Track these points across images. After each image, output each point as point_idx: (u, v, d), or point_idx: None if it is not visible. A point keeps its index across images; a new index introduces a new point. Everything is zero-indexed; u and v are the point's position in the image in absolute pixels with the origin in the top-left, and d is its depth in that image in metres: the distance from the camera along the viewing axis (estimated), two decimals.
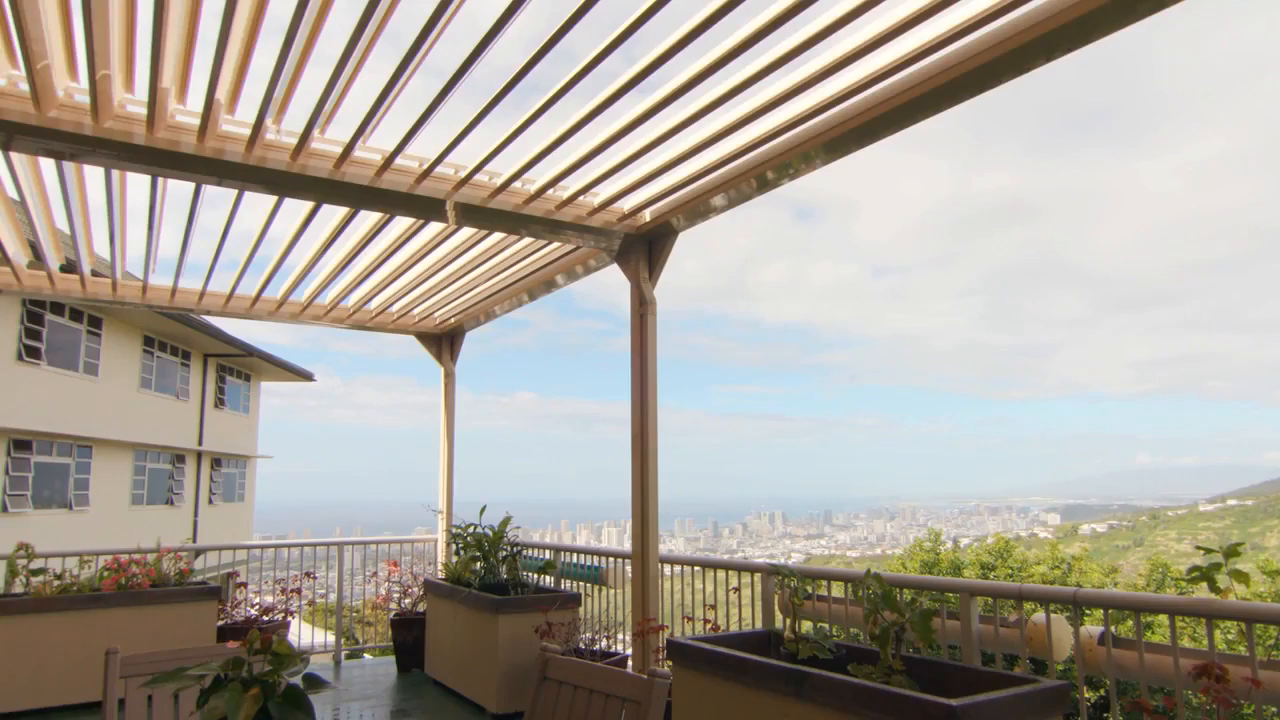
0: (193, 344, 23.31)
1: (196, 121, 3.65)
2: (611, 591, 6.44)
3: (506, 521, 6.26)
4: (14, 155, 4.10)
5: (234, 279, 6.19)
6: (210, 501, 25.40)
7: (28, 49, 3.00)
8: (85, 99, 3.46)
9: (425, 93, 3.43)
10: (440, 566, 7.70)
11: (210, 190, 4.41)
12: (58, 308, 17.31)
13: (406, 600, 7.21)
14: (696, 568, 5.67)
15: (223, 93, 3.38)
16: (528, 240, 5.38)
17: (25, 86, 3.37)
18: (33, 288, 6.12)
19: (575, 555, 6.92)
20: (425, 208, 4.35)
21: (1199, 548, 3.47)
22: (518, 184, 4.41)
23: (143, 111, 3.56)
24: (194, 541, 19.50)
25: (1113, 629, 3.45)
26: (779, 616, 4.86)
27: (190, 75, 3.30)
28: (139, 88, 3.42)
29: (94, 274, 6.02)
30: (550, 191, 4.47)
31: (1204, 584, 3.41)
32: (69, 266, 6.00)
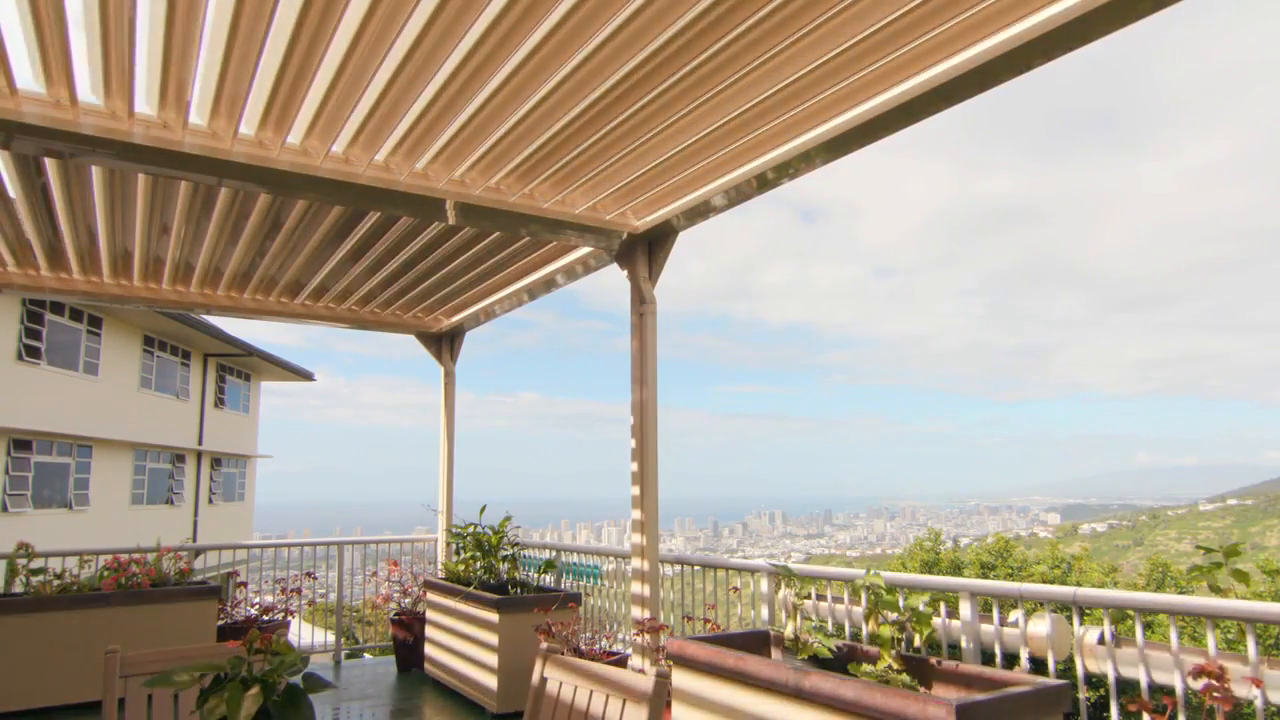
0: (193, 344, 23.32)
1: (199, 121, 3.65)
2: (611, 591, 6.45)
3: (506, 521, 6.27)
4: (14, 155, 4.10)
5: (236, 279, 6.18)
6: (210, 501, 25.40)
7: (30, 48, 3.01)
8: (88, 99, 3.46)
9: (427, 94, 3.42)
10: (440, 566, 7.70)
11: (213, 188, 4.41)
12: (58, 307, 17.30)
13: (406, 600, 7.21)
14: (696, 567, 5.67)
15: (226, 93, 3.38)
16: (527, 240, 5.38)
17: (26, 87, 3.37)
18: (38, 287, 6.12)
19: (575, 555, 6.92)
20: (425, 208, 4.35)
21: (1199, 547, 3.48)
22: (518, 184, 4.41)
23: (144, 111, 3.56)
24: (194, 541, 19.51)
25: (1112, 629, 3.46)
26: (779, 616, 4.86)
27: (193, 75, 3.30)
28: (141, 88, 3.42)
29: (98, 274, 6.02)
30: (550, 191, 4.47)
31: (1204, 584, 3.41)
32: (74, 266, 6.00)
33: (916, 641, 3.53)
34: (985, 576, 13.01)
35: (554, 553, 7.09)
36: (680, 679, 3.65)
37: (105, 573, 5.96)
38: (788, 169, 3.91)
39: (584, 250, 5.59)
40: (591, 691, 2.28)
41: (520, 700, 5.29)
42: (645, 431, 4.86)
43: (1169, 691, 3.20)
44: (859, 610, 4.38)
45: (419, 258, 5.70)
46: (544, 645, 2.57)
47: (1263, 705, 2.93)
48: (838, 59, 3.08)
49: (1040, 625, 3.64)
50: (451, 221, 4.48)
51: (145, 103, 3.48)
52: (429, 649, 6.41)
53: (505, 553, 6.14)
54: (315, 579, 7.42)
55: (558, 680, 2.42)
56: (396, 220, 4.99)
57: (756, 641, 3.86)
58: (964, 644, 3.90)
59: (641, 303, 4.96)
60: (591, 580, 6.61)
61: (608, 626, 6.29)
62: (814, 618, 4.69)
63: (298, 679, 1.75)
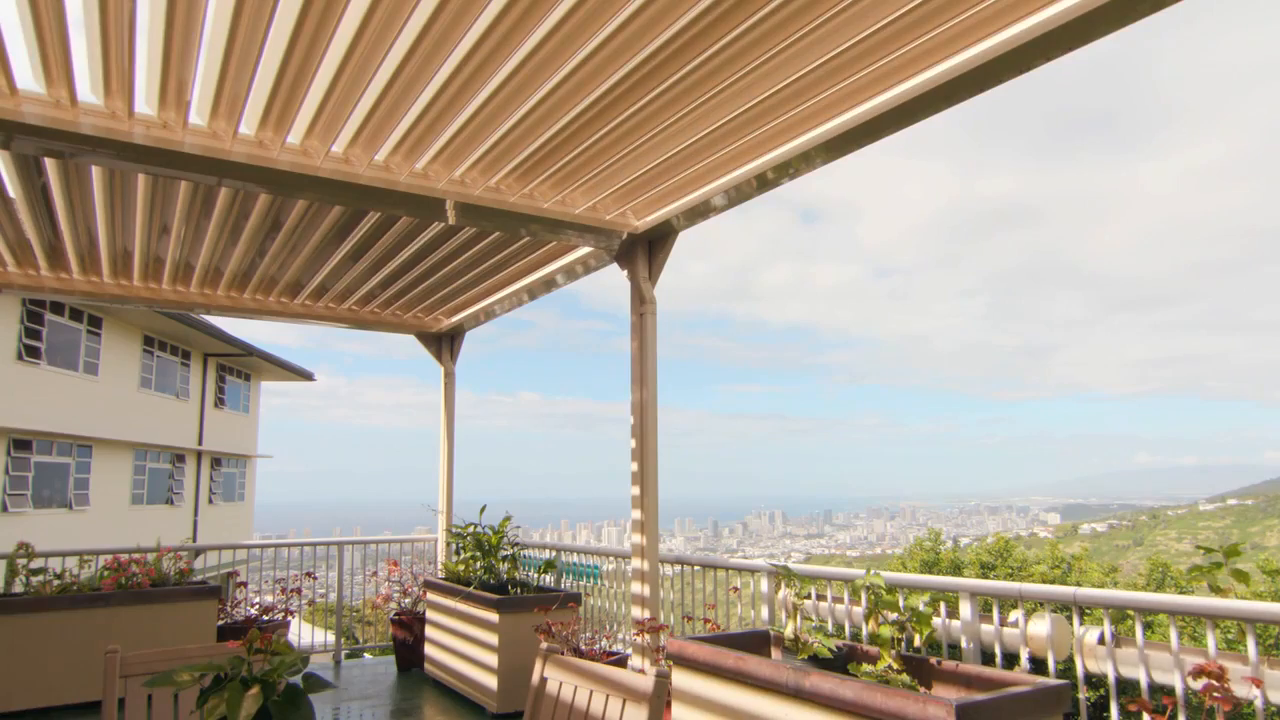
0: (193, 343, 23.32)
1: (199, 121, 3.65)
2: (611, 591, 6.45)
3: (506, 521, 6.28)
4: (14, 155, 4.10)
5: (237, 277, 6.19)
6: (210, 501, 25.40)
7: (30, 48, 3.01)
8: (88, 99, 3.46)
9: (427, 93, 3.42)
10: (440, 566, 7.71)
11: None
12: (57, 307, 17.30)
13: (406, 600, 7.21)
14: (696, 567, 5.67)
15: (226, 93, 3.38)
16: (527, 240, 5.38)
17: (26, 87, 3.37)
18: (38, 287, 6.12)
19: (575, 555, 6.93)
20: (425, 207, 4.35)
21: (1199, 547, 3.48)
22: (518, 184, 4.42)
23: (144, 111, 3.56)
24: (194, 541, 19.52)
25: (1112, 629, 3.46)
26: (779, 616, 4.86)
27: (193, 75, 3.30)
28: (141, 88, 3.42)
29: (98, 274, 6.02)
30: (550, 191, 4.47)
31: (1204, 584, 3.41)
32: (74, 266, 6.00)
33: (916, 641, 3.53)
34: (985, 576, 13.02)
35: (554, 553, 7.09)
36: (680, 679, 3.65)
37: (105, 573, 5.96)
38: (788, 169, 3.91)
39: (584, 250, 5.59)
40: (591, 691, 2.28)
41: (520, 700, 5.29)
42: (645, 431, 4.86)
43: (1169, 691, 3.20)
44: (859, 610, 4.38)
45: (419, 258, 5.71)
46: (544, 645, 2.57)
47: (1263, 705, 2.93)
48: (838, 59, 3.08)
49: (1040, 625, 3.64)
50: (451, 221, 4.48)
51: (145, 103, 3.48)
52: (429, 649, 6.41)
53: (505, 553, 6.14)
54: (315, 579, 7.42)
55: (558, 680, 2.42)
56: (396, 220, 4.99)
57: (756, 641, 3.86)
58: (964, 644, 3.91)
59: (641, 303, 4.96)
60: (591, 580, 6.61)
61: (608, 626, 6.29)
62: (814, 618, 4.69)
63: (298, 679, 1.75)
